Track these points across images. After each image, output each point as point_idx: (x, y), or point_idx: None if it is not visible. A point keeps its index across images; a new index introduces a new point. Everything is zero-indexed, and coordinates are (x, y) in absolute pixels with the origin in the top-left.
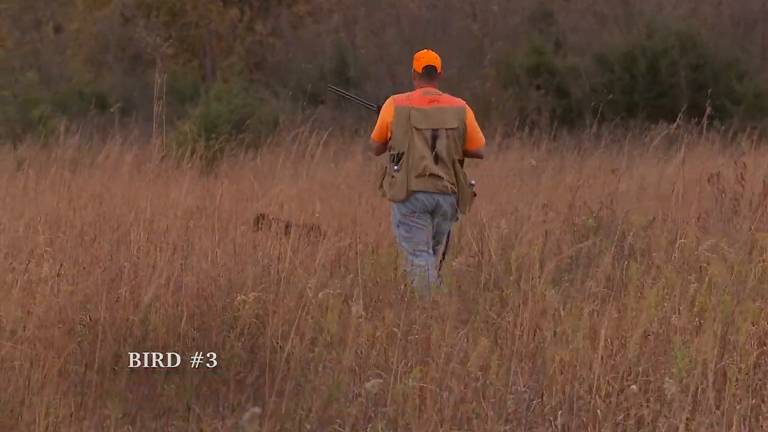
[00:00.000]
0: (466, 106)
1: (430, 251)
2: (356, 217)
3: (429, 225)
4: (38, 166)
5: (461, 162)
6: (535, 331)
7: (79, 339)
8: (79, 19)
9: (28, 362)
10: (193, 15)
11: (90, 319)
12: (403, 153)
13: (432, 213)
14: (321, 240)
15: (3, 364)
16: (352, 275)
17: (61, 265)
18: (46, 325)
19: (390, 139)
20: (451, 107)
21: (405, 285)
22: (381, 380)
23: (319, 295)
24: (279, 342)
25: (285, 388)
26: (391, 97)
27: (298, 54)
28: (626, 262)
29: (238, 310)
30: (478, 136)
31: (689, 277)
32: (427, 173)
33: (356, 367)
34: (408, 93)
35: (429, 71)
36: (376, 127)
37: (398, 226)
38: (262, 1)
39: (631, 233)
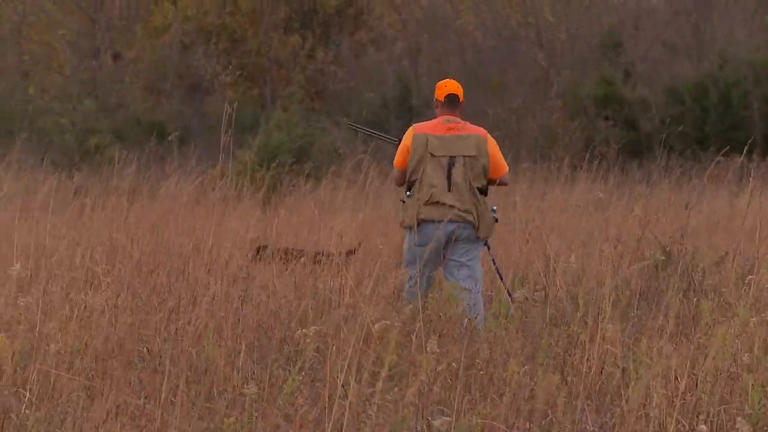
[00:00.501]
0: (488, 135)
1: (430, 282)
2: None
3: (437, 256)
4: (95, 195)
5: (483, 190)
6: (602, 368)
7: (138, 371)
8: (138, 46)
9: (85, 394)
10: (254, 42)
11: (148, 351)
12: (416, 180)
13: (446, 243)
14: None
15: (61, 396)
16: (413, 309)
17: (119, 295)
18: (104, 357)
19: (407, 166)
20: (471, 135)
21: (468, 319)
22: (448, 418)
23: (376, 327)
24: (339, 376)
25: (345, 423)
26: (413, 125)
27: (360, 82)
28: (696, 299)
29: (299, 343)
30: (500, 164)
31: (763, 315)
32: (435, 201)
33: (418, 403)
34: (429, 120)
35: (451, 100)
36: (397, 154)
37: (406, 253)
38: (324, 29)
39: (702, 268)
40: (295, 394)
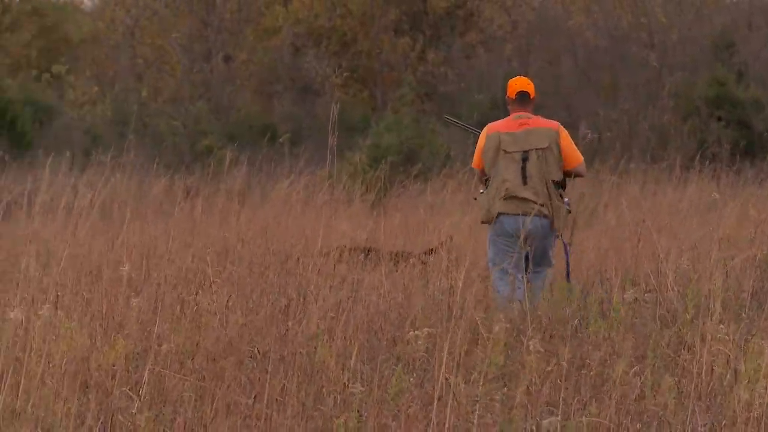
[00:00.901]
0: (560, 127)
1: (520, 275)
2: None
3: (515, 248)
4: (207, 197)
5: (560, 183)
6: (712, 369)
7: (248, 371)
8: (249, 49)
9: (196, 394)
10: (365, 45)
11: (259, 351)
12: (490, 177)
13: (524, 236)
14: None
15: (171, 396)
16: (523, 309)
17: (230, 296)
18: (215, 357)
19: (483, 165)
20: (542, 128)
21: (579, 320)
22: (557, 418)
23: (494, 329)
24: (448, 376)
25: (453, 423)
26: (488, 125)
27: (470, 84)
28: None
29: (409, 344)
30: (574, 155)
31: None
32: (510, 195)
33: (527, 403)
34: (502, 119)
35: (522, 96)
36: (474, 156)
37: (489, 248)
38: (434, 31)
39: None
40: (404, 394)
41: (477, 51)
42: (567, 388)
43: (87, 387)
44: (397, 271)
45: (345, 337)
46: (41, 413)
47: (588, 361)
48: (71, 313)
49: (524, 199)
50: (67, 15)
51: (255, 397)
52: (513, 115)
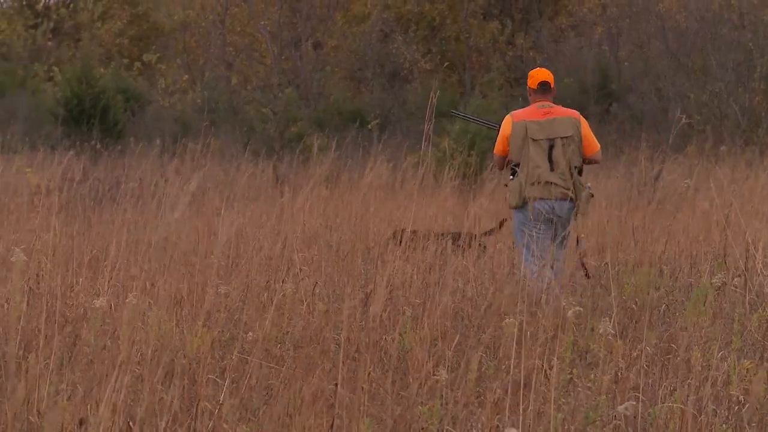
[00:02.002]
0: (581, 116)
1: (548, 257)
2: (616, 236)
3: (548, 233)
4: (295, 184)
5: (579, 169)
6: None
7: (333, 359)
8: (339, 35)
9: (282, 383)
10: (453, 29)
11: (345, 338)
12: (519, 163)
13: (551, 220)
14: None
15: (258, 383)
16: (612, 295)
17: (316, 283)
18: (301, 345)
19: (509, 152)
20: (565, 117)
21: (666, 305)
22: (634, 403)
23: (570, 313)
24: (536, 362)
25: (539, 408)
26: (510, 113)
27: (560, 68)
28: None
29: (496, 331)
30: (593, 143)
31: None
32: (543, 181)
33: (615, 389)
34: (525, 108)
35: (543, 87)
36: (497, 143)
37: (517, 232)
38: (524, 15)
39: None
40: (489, 380)
41: (566, 35)
42: (653, 374)
43: (173, 375)
44: (455, 252)
45: (431, 324)
46: (129, 401)
47: (674, 346)
48: (159, 301)
49: (554, 184)
50: (158, 4)
51: (341, 384)
52: (536, 104)
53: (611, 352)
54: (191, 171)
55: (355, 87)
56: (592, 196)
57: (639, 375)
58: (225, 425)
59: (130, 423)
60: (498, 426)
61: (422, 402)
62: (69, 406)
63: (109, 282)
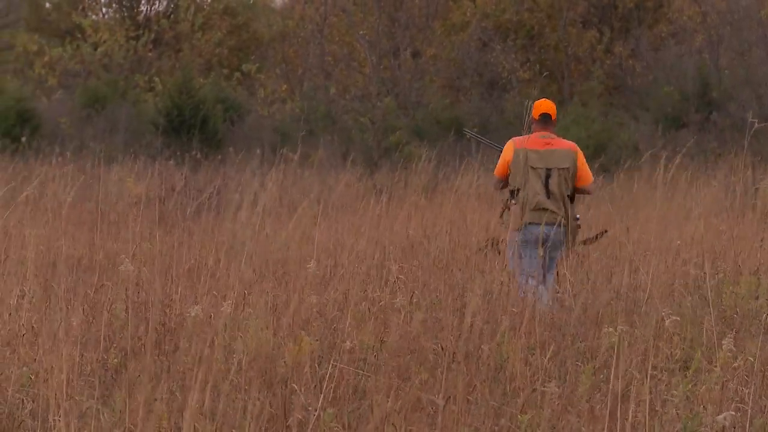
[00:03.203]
0: (578, 149)
1: (541, 278)
2: (714, 245)
3: (539, 255)
4: (394, 193)
5: (571, 198)
6: None
7: (431, 368)
8: (437, 44)
9: (381, 392)
10: (552, 38)
11: (442, 348)
12: (519, 189)
13: (543, 244)
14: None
15: (356, 393)
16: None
17: (414, 292)
18: (399, 353)
19: (509, 175)
20: (563, 149)
21: (766, 314)
22: (733, 413)
23: (668, 322)
24: (631, 371)
25: (639, 420)
26: (512, 139)
27: (659, 76)
28: None
29: (593, 340)
30: (587, 175)
31: None
32: (540, 207)
33: (714, 399)
34: (527, 136)
35: (544, 118)
36: (498, 165)
37: (512, 252)
38: (623, 23)
39: None
40: (589, 392)
41: (666, 43)
42: (755, 385)
43: (272, 384)
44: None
45: (530, 333)
46: (228, 410)
47: None
48: (257, 310)
49: (550, 211)
50: (257, 13)
51: (441, 394)
52: (538, 134)
53: (711, 362)
54: (291, 181)
55: (454, 96)
56: (579, 227)
57: (740, 385)
58: None
59: None
60: None
61: (524, 411)
62: (166, 414)
63: (207, 291)
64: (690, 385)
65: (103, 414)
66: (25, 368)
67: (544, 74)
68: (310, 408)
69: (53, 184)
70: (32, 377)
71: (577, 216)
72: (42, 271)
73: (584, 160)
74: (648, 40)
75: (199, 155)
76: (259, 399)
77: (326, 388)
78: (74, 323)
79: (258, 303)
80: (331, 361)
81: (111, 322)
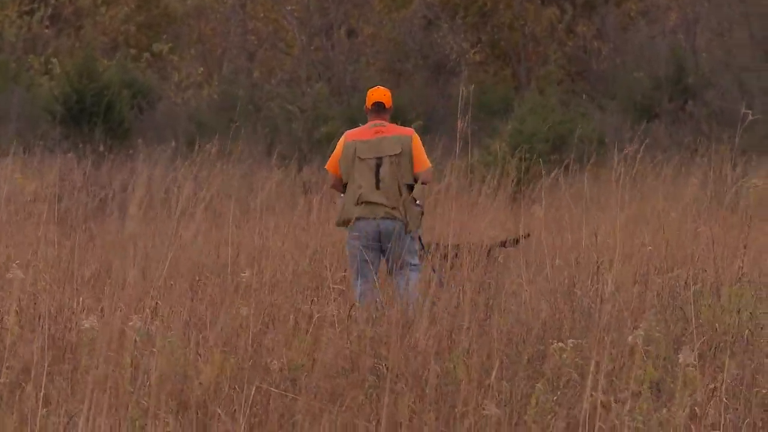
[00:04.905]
0: (414, 134)
1: (375, 276)
2: (692, 252)
3: (374, 251)
4: (323, 192)
5: (411, 186)
6: None
7: (370, 390)
8: (376, 22)
9: (310, 416)
10: (507, 15)
11: (386, 368)
12: (347, 184)
13: (379, 239)
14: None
15: (282, 418)
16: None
17: (352, 306)
18: (333, 374)
19: (342, 171)
20: (395, 135)
21: (750, 331)
22: None
23: (630, 339)
24: (598, 395)
25: None
26: (345, 132)
27: (628, 60)
28: None
29: (552, 358)
30: (423, 161)
31: None
32: (364, 201)
33: (691, 425)
34: (359, 127)
35: (377, 107)
36: (329, 159)
37: (348, 251)
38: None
39: None
40: (546, 415)
41: (636, 22)
42: (736, 409)
43: (187, 408)
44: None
45: (481, 350)
46: None
47: (759, 377)
48: (171, 324)
49: (376, 204)
50: None
51: (377, 421)
52: (369, 123)
53: (686, 385)
54: (207, 177)
55: (395, 81)
56: (423, 214)
57: (719, 411)
58: None
59: None
60: None
61: None
62: None
63: (113, 302)
64: (664, 410)
65: None
66: None
67: (498, 56)
68: None
69: None
70: None
71: (418, 203)
72: None
73: (421, 145)
74: (615, 18)
75: (102, 148)
76: (168, 423)
77: (249, 412)
78: None
79: (172, 316)
80: (255, 383)
81: (1, 336)
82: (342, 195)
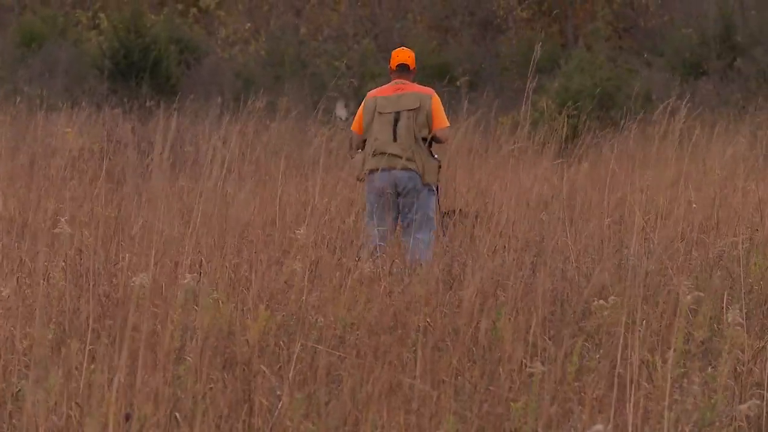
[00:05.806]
0: (434, 93)
1: (392, 228)
2: (736, 209)
3: (391, 202)
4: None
5: (427, 140)
6: None
7: (414, 348)
8: None
9: (355, 373)
10: None
11: (429, 325)
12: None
13: (396, 191)
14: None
15: (327, 375)
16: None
17: (393, 261)
18: (378, 331)
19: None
20: (414, 92)
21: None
22: (758, 402)
23: (688, 298)
24: (641, 353)
25: (647, 409)
26: (368, 93)
27: (676, 17)
28: None
29: (597, 316)
30: (442, 120)
31: None
32: (380, 152)
33: (734, 386)
34: (382, 86)
35: (401, 68)
36: (354, 119)
37: (366, 202)
38: None
39: None
40: (589, 374)
41: None
42: None
43: (231, 365)
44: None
45: (526, 309)
46: (179, 393)
47: None
48: (216, 281)
49: (392, 155)
50: None
51: (420, 377)
52: (392, 82)
53: (731, 344)
54: (255, 133)
55: (442, 38)
56: (440, 167)
57: (763, 370)
58: (288, 422)
59: (178, 418)
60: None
61: (514, 398)
62: (113, 399)
63: (158, 258)
64: (709, 369)
65: (38, 398)
66: None
67: (546, 13)
68: (273, 393)
69: None
70: None
71: (435, 155)
72: None
73: (440, 105)
74: None
75: (149, 103)
76: (213, 380)
77: (294, 370)
78: (5, 294)
79: (217, 273)
80: (299, 340)
81: (48, 293)
82: (360, 151)
